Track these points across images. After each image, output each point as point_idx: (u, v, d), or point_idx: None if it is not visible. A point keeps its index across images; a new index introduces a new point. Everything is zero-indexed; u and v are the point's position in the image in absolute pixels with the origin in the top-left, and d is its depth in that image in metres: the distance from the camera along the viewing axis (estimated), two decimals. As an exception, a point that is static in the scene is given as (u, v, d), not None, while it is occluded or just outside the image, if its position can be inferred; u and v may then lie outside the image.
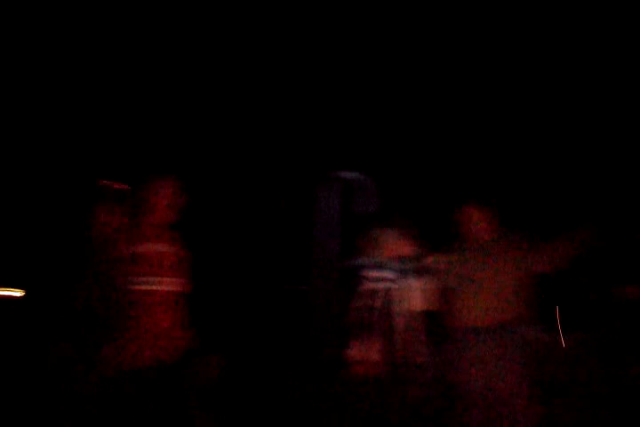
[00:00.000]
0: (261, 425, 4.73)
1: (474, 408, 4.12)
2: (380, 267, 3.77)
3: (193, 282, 3.63)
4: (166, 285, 3.56)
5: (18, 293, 5.61)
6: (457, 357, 4.25)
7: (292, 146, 7.53)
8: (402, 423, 4.03)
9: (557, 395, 5.91)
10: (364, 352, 3.77)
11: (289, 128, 7.64)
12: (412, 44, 7.80)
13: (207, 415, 4.37)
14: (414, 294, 4.00)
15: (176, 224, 3.66)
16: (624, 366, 5.57)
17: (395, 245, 3.90)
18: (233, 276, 6.32)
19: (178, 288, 3.60)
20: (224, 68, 7.48)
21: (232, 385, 5.02)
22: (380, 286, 3.77)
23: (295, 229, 6.80)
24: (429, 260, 4.21)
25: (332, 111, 7.91)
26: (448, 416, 4.80)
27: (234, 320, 5.81)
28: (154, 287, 3.51)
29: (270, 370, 5.19)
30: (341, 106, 7.92)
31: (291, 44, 7.52)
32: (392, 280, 3.83)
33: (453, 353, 4.24)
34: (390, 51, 7.83)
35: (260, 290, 6.24)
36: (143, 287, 3.47)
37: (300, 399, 4.59)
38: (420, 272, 4.07)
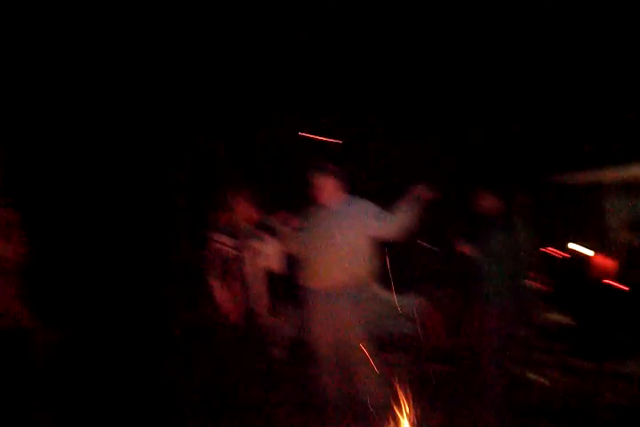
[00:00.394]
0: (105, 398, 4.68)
1: (323, 366, 4.33)
2: (232, 232, 3.82)
3: (37, 251, 3.47)
4: None
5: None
6: (307, 318, 4.43)
7: (143, 109, 7.29)
8: (257, 382, 4.16)
9: (401, 351, 6.32)
10: (218, 315, 3.83)
11: (140, 89, 7.38)
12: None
13: (41, 392, 4.25)
14: (265, 258, 4.09)
15: (11, 188, 3.46)
16: (465, 322, 6.03)
17: (246, 210, 3.94)
18: (88, 245, 6.09)
19: (10, 255, 3.40)
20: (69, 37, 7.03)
21: (75, 359, 4.90)
22: (233, 250, 3.81)
23: (153, 197, 6.65)
24: (280, 224, 4.31)
25: (185, 75, 7.75)
26: (300, 374, 5.01)
27: (85, 291, 5.64)
28: None
29: (121, 340, 5.13)
30: (196, 69, 7.77)
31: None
32: (243, 245, 3.89)
33: (304, 314, 4.42)
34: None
35: (121, 259, 6.07)
36: None
37: (152, 368, 4.59)
38: (270, 236, 4.16)
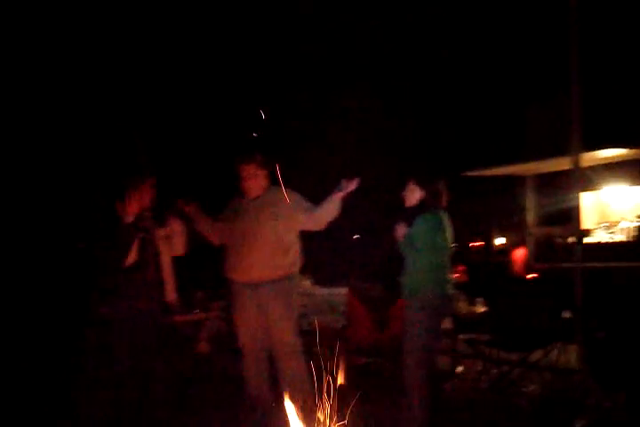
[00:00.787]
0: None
1: (250, 361, 4.27)
2: (140, 219, 3.65)
3: None
4: None
5: None
6: (233, 311, 4.36)
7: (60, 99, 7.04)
8: (179, 379, 4.05)
9: (328, 344, 6.32)
10: (138, 308, 3.66)
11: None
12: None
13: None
14: (179, 247, 3.93)
15: None
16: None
17: (148, 196, 3.76)
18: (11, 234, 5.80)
19: None
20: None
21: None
22: (142, 236, 3.64)
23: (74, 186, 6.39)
24: (195, 213, 4.19)
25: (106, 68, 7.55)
26: (225, 370, 4.94)
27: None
28: None
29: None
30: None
31: None
32: (152, 230, 3.73)
33: (230, 307, 4.34)
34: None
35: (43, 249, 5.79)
36: None
37: (66, 365, 4.39)
38: (175, 221, 4.00)
